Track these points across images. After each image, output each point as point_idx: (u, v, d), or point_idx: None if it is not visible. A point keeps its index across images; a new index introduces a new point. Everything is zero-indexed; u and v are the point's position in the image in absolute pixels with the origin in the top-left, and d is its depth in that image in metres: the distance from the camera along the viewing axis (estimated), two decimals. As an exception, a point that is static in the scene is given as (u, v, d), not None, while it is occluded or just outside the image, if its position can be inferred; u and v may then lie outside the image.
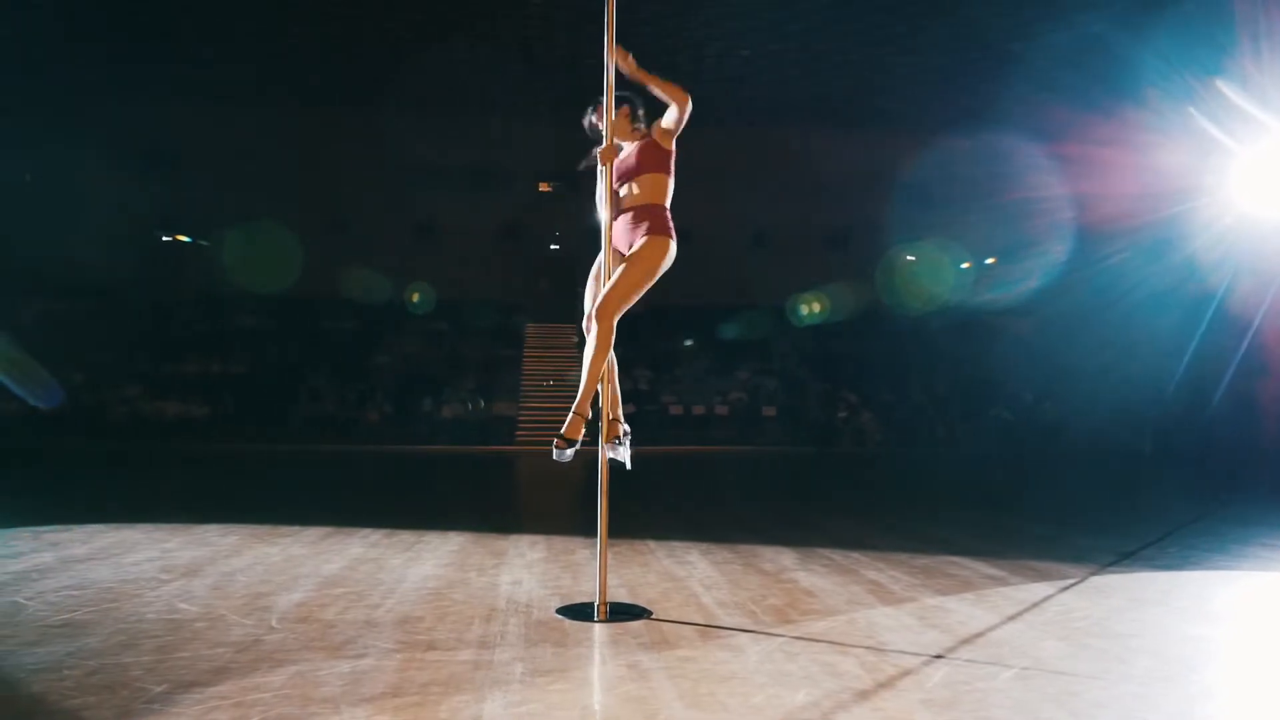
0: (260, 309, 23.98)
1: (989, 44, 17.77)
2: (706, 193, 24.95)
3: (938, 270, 24.71)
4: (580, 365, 4.47)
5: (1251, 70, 11.12)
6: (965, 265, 25.37)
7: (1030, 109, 19.37)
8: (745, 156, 24.46)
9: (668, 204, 4.59)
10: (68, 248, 22.85)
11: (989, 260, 25.01)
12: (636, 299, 4.49)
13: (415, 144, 24.27)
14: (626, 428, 4.63)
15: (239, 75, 20.68)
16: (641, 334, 22.67)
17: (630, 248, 4.50)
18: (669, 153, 4.58)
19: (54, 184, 23.19)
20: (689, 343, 24.34)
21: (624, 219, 4.58)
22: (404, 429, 20.80)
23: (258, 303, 23.83)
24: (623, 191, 4.63)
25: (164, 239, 24.71)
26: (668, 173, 4.59)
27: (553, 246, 25.73)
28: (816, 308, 22.01)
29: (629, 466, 4.55)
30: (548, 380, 22.26)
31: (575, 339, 23.14)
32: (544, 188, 26.16)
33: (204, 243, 23.08)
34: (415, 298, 21.11)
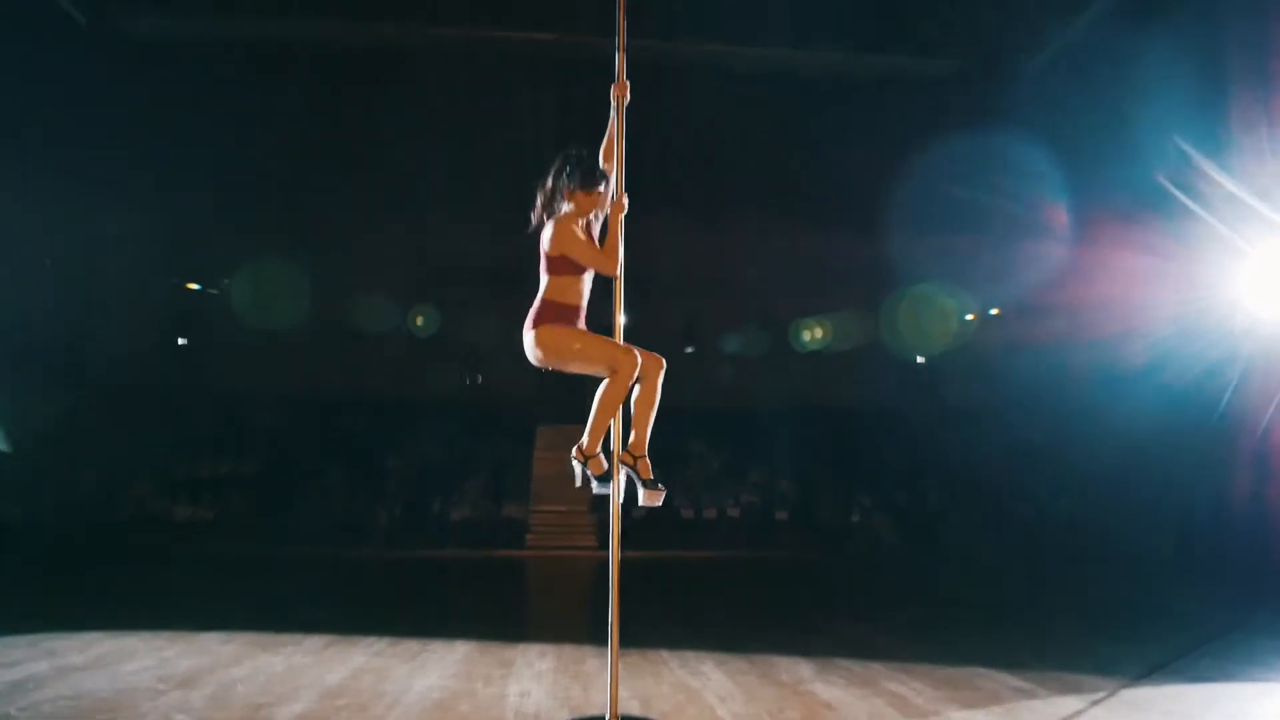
0: (276, 408, 24.04)
1: (988, 151, 18.01)
2: (716, 291, 25.20)
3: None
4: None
5: (1255, 166, 11.22)
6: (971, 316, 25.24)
7: (1031, 209, 19.61)
8: (750, 252, 24.75)
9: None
10: (87, 338, 23.05)
11: (994, 311, 24.44)
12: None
13: (432, 242, 24.70)
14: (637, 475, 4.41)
15: (258, 178, 20.94)
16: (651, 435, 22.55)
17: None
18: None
19: (75, 273, 23.55)
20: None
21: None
22: (414, 532, 20.54)
23: (274, 401, 23.90)
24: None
25: (179, 341, 24.97)
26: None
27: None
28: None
29: (596, 489, 4.38)
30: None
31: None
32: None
33: (214, 291, 22.64)
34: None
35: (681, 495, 22.36)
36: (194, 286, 24.40)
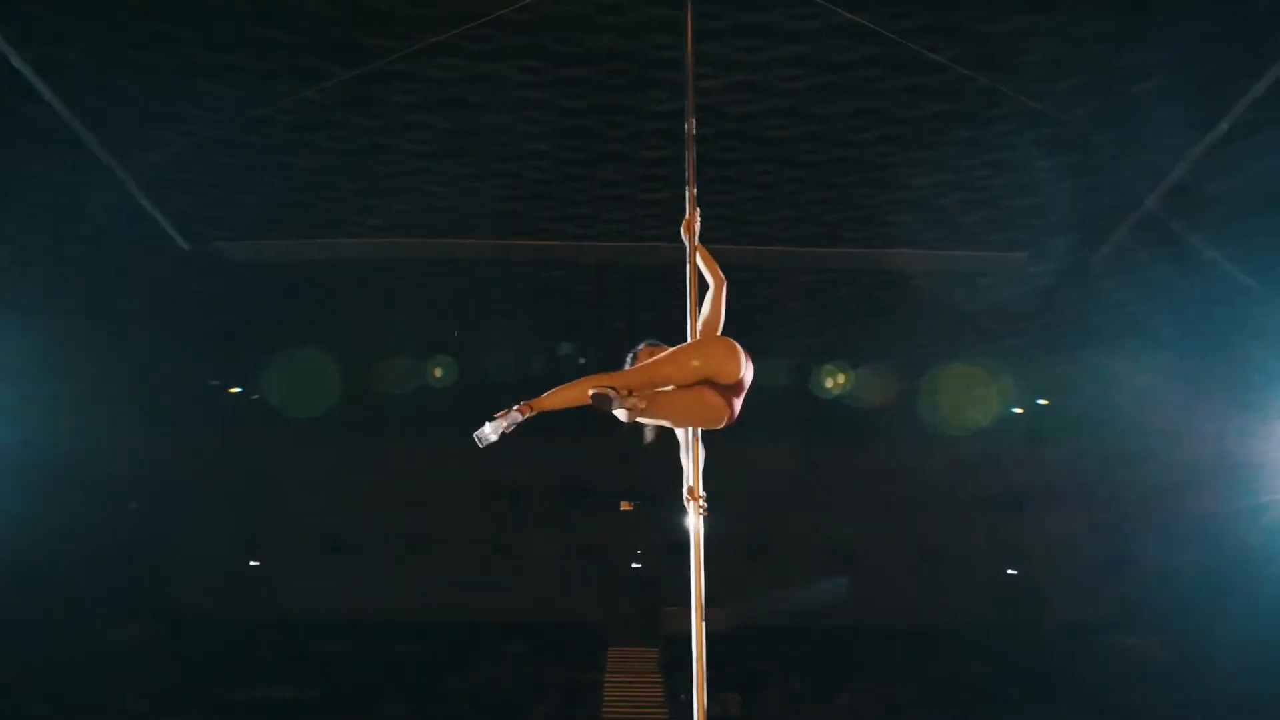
0: (338, 633, 23.62)
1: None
2: (783, 508, 24.47)
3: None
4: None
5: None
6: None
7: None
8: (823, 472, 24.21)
9: None
10: (161, 572, 23.32)
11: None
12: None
13: (497, 465, 24.69)
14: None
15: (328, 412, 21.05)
16: (729, 655, 21.29)
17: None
18: None
19: (153, 510, 24.04)
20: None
21: None
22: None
23: (336, 627, 23.55)
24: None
25: (251, 563, 25.06)
26: None
27: (634, 565, 25.15)
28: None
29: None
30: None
31: (657, 656, 22.03)
32: (625, 506, 25.94)
33: (254, 398, 21.07)
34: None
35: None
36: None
